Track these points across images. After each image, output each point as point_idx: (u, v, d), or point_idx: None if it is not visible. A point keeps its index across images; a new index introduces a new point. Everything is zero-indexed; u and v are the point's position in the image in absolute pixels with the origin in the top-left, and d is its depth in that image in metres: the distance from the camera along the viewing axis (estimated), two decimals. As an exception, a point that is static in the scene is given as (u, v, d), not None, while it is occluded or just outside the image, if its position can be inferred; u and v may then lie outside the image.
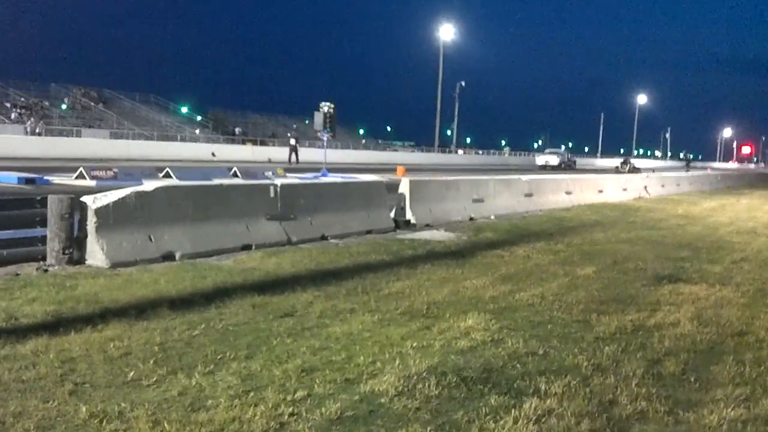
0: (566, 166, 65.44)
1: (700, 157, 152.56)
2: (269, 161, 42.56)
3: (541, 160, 68.08)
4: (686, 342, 6.06)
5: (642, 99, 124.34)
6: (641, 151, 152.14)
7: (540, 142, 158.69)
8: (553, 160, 66.25)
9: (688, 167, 73.46)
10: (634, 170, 58.62)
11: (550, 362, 5.31)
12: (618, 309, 7.17)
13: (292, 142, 45.53)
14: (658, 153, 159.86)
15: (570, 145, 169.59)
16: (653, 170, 53.52)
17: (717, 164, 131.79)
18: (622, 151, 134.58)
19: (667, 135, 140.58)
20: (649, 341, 6.04)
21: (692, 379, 5.08)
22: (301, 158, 43.94)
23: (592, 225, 15.66)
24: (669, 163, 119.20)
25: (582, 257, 10.64)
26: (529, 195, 19.21)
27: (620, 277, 9.04)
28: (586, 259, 10.40)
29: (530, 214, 17.61)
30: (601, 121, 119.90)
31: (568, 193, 21.66)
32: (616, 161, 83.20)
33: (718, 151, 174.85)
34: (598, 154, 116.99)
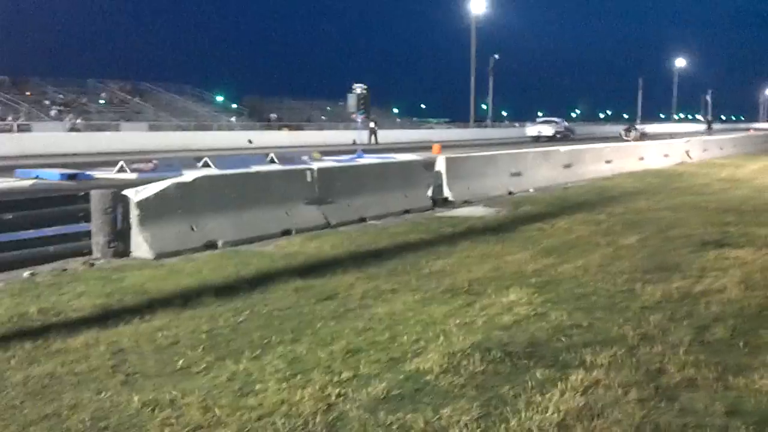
0: (563, 137, 56.75)
1: (723, 117, 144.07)
2: (354, 143, 45.07)
3: (532, 130, 59.05)
4: (734, 307, 5.97)
5: (681, 62, 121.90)
6: (682, 115, 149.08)
7: (578, 111, 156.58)
8: (547, 130, 57.60)
9: (710, 129, 64.82)
10: (642, 137, 50.51)
11: (596, 334, 5.28)
12: (663, 277, 7.09)
13: (372, 125, 48.23)
14: (699, 116, 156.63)
15: (609, 112, 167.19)
16: (671, 136, 49.90)
17: (759, 125, 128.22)
18: (662, 116, 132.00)
19: (708, 97, 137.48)
20: (695, 308, 5.96)
21: (741, 345, 5.01)
22: (339, 140, 45.76)
23: (634, 193, 15.44)
24: (686, 126, 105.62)
25: (624, 226, 10.51)
26: (568, 166, 19.00)
27: (664, 245, 8.92)
28: (628, 228, 10.28)
29: (570, 185, 17.42)
30: (640, 86, 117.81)
31: (608, 162, 21.37)
32: (653, 126, 78.33)
33: (761, 111, 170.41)
34: (638, 120, 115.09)
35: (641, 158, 23.84)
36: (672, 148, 27.46)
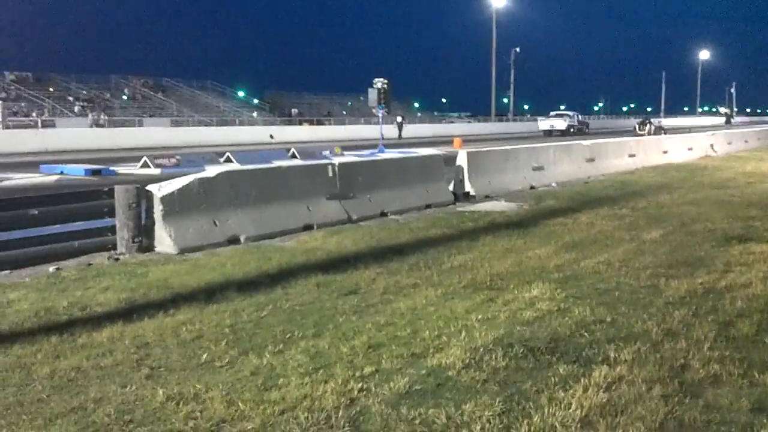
0: (577, 131, 55.67)
1: (736, 110, 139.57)
2: (382, 138, 45.74)
3: (545, 124, 57.20)
4: (759, 303, 5.91)
5: (705, 54, 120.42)
6: (706, 108, 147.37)
7: (600, 105, 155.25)
8: (560, 124, 55.82)
9: (729, 122, 60.04)
10: (658, 131, 47.44)
11: (619, 329, 5.25)
12: (687, 272, 7.03)
13: (399, 119, 50.22)
14: (723, 109, 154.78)
15: (632, 105, 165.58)
16: (690, 130, 46.84)
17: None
18: (686, 109, 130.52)
19: (732, 90, 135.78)
20: (720, 303, 5.91)
21: (766, 341, 4.96)
22: (359, 134, 47.10)
23: (658, 187, 15.31)
24: (705, 120, 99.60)
25: (648, 221, 10.43)
26: (590, 160, 18.87)
27: (688, 240, 8.84)
28: (652, 223, 10.20)
29: (593, 180, 17.31)
30: (663, 79, 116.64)
31: (631, 155, 21.20)
32: (670, 120, 75.51)
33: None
34: (661, 114, 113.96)
35: (665, 152, 23.61)
36: (696, 142, 27.18)
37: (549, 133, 53.25)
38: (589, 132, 56.45)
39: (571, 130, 54.72)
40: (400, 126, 49.84)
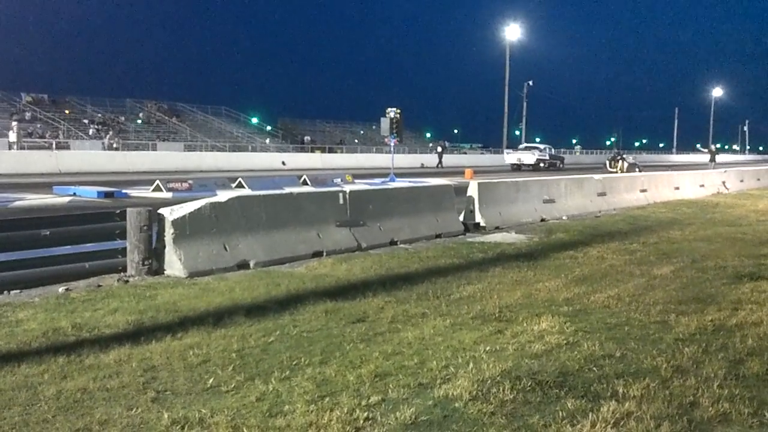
0: (549, 165, 51.15)
1: (761, 148, 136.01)
2: (422, 166, 50.42)
3: (511, 158, 51.92)
4: (771, 342, 5.85)
5: (718, 92, 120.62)
6: (719, 145, 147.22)
7: (613, 139, 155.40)
8: (528, 158, 50.38)
9: (713, 160, 50.75)
10: (631, 168, 43.49)
11: (628, 365, 5.21)
12: (698, 309, 6.98)
13: (439, 149, 53.05)
14: (735, 147, 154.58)
15: (644, 141, 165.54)
16: (672, 168, 44.00)
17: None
18: (698, 145, 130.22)
19: (746, 128, 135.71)
20: (730, 341, 5.85)
21: (778, 381, 4.90)
22: (371, 164, 47.68)
23: (669, 223, 15.26)
24: (687, 158, 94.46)
25: (659, 256, 10.38)
26: (602, 194, 18.86)
27: (699, 276, 8.79)
28: (663, 259, 10.15)
29: (604, 214, 17.28)
30: (676, 116, 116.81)
31: (642, 191, 21.19)
32: (690, 157, 72.12)
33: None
34: (674, 150, 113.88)
35: (676, 188, 23.59)
36: (707, 179, 27.16)
37: (518, 168, 49.24)
38: (564, 168, 52.51)
39: (541, 165, 50.23)
40: (440, 155, 51.46)
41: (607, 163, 47.36)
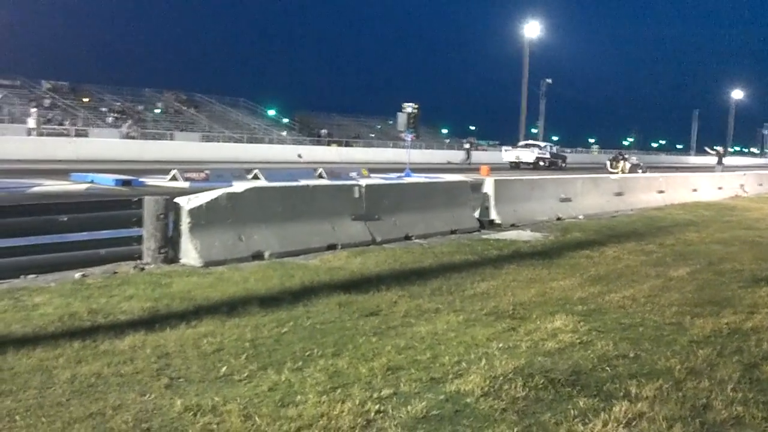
0: (550, 164, 48.61)
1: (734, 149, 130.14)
2: (448, 163, 50.58)
3: (509, 155, 49.41)
4: (787, 346, 5.80)
5: (737, 94, 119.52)
6: (738, 148, 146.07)
7: (631, 139, 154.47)
8: (527, 156, 48.22)
9: (721, 162, 44.12)
10: (634, 169, 41.21)
11: (642, 365, 5.18)
12: (713, 311, 6.93)
13: (467, 145, 54.38)
14: (755, 150, 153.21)
15: (663, 142, 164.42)
16: (677, 169, 40.95)
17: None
18: (654, 145, 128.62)
19: (765, 131, 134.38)
20: (745, 344, 5.81)
21: (793, 385, 4.87)
22: (386, 158, 47.89)
23: (686, 224, 15.16)
24: (697, 159, 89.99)
25: (675, 258, 10.32)
26: (619, 194, 18.76)
27: (715, 279, 8.73)
28: (679, 260, 10.09)
29: (620, 214, 17.19)
30: (695, 117, 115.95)
31: (660, 192, 21.04)
32: (703, 159, 68.54)
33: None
34: (692, 152, 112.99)
35: (694, 189, 23.41)
36: (725, 181, 26.95)
37: (516, 166, 47.14)
38: (565, 167, 49.92)
39: (541, 163, 47.92)
40: (468, 151, 52.39)
41: (608, 163, 44.48)
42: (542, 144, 52.11)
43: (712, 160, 48.34)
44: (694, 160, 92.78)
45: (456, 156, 53.03)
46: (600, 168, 41.80)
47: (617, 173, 35.89)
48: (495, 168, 38.80)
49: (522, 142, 54.39)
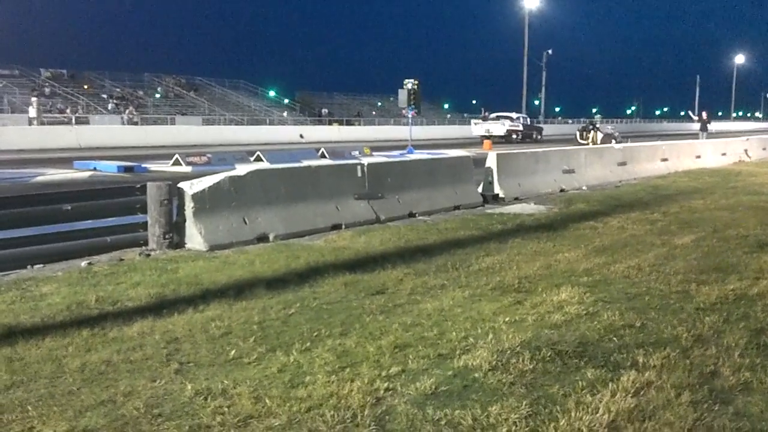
0: (524, 137, 45.23)
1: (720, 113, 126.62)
2: (411, 139, 49.46)
3: (479, 129, 45.71)
4: (793, 311, 5.81)
5: (740, 59, 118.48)
6: (740, 113, 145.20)
7: (633, 108, 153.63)
8: (497, 129, 44.36)
9: (705, 129, 38.34)
10: (607, 139, 38.33)
11: (648, 334, 5.20)
12: (719, 278, 6.93)
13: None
14: (758, 114, 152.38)
15: (666, 109, 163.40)
16: (627, 138, 38.61)
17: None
18: (720, 114, 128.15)
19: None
20: (752, 310, 5.82)
21: (800, 350, 4.88)
22: (388, 136, 47.38)
23: (690, 192, 15.13)
24: (675, 125, 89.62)
25: (680, 226, 10.30)
26: (622, 164, 18.71)
27: (721, 246, 8.72)
28: (684, 228, 10.07)
29: (624, 184, 17.16)
30: (697, 83, 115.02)
31: (663, 160, 20.98)
32: (637, 126, 63.45)
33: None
34: (696, 118, 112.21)
35: (698, 156, 23.35)
36: (729, 147, 26.84)
37: (487, 139, 41.54)
38: (541, 139, 46.87)
39: (513, 136, 44.44)
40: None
41: (577, 134, 42.04)
42: (514, 115, 47.73)
43: (696, 126, 43.71)
44: (675, 126, 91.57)
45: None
46: (570, 140, 39.77)
47: (588, 144, 35.03)
48: (498, 142, 38.66)
49: (494, 114, 49.47)
